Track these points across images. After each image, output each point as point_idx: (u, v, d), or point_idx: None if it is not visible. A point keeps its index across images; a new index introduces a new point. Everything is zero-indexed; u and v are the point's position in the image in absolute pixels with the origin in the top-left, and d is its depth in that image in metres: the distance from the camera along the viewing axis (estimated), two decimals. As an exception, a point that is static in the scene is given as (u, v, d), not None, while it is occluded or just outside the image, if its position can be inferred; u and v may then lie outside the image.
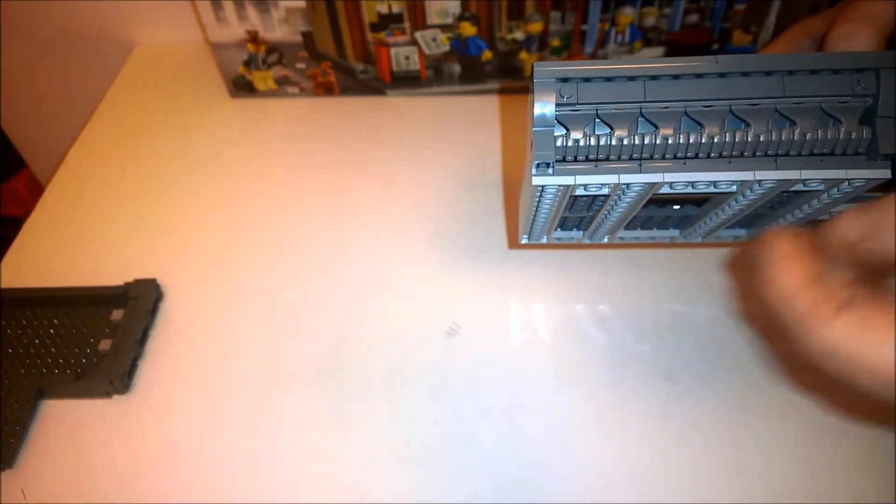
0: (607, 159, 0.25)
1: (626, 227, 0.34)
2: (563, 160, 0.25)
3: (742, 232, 0.33)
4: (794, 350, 0.20)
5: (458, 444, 0.34)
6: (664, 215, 0.33)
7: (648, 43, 0.49)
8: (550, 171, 0.25)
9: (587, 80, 0.24)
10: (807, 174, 0.24)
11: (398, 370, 0.36)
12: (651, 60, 0.23)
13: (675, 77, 0.24)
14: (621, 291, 0.39)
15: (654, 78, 0.24)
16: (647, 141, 0.24)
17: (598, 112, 0.24)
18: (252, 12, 0.48)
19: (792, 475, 0.32)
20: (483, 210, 0.44)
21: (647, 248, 0.41)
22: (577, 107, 0.24)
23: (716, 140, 0.24)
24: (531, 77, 0.24)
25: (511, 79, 0.52)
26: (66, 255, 0.44)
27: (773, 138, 0.24)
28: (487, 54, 0.50)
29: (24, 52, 0.64)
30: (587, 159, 0.25)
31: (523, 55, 0.50)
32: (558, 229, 0.34)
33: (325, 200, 0.46)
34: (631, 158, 0.25)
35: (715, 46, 0.49)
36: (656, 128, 0.24)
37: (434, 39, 0.49)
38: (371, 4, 0.47)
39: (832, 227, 0.21)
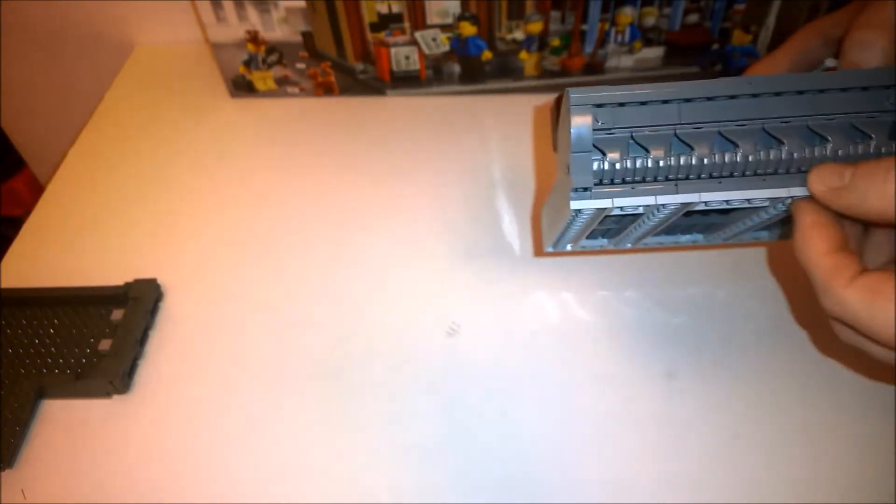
0: (643, 181, 0.25)
1: (659, 235, 0.34)
2: (600, 183, 0.25)
3: (764, 234, 0.33)
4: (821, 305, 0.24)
5: (458, 443, 0.34)
6: (690, 224, 0.33)
7: (648, 43, 0.49)
8: (588, 194, 0.25)
9: (622, 104, 0.24)
10: None
11: (398, 370, 0.36)
12: (685, 84, 0.24)
13: (709, 98, 0.24)
14: (626, 290, 0.39)
15: (688, 100, 0.24)
16: (683, 162, 0.25)
17: (633, 135, 0.25)
18: (252, 12, 0.48)
19: (792, 475, 0.32)
20: (483, 209, 0.44)
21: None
22: (613, 131, 0.25)
23: (751, 159, 0.24)
24: (564, 102, 0.25)
25: (511, 79, 0.52)
26: (66, 255, 0.44)
27: (807, 155, 0.24)
28: (487, 54, 0.50)
29: (24, 52, 0.64)
30: (623, 181, 0.25)
31: (523, 55, 0.50)
32: (585, 238, 0.34)
33: (325, 200, 0.46)
34: (667, 179, 0.25)
35: (715, 46, 0.49)
36: (692, 149, 0.25)
37: (434, 39, 0.49)
38: (371, 4, 0.47)
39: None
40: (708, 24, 0.47)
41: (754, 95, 0.24)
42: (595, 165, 0.25)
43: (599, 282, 0.40)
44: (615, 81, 0.51)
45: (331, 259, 0.42)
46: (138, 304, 0.39)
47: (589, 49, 0.49)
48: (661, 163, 0.25)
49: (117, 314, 0.39)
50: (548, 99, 0.52)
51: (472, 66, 0.51)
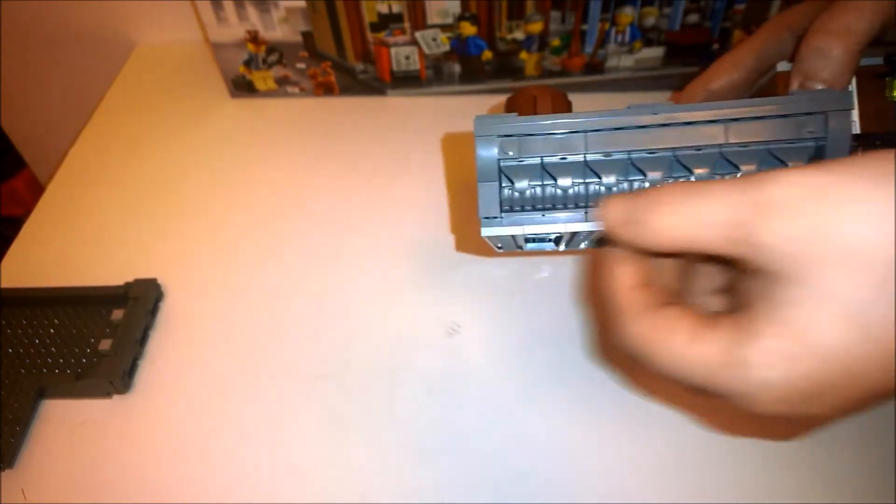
0: (553, 208, 0.25)
1: None
2: (511, 210, 0.26)
3: None
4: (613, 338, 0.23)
5: (458, 443, 0.34)
6: None
7: (648, 43, 0.49)
8: (498, 221, 0.26)
9: (530, 134, 0.25)
10: None
11: (399, 370, 0.36)
12: (591, 114, 0.24)
13: (617, 129, 0.24)
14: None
15: (595, 130, 0.24)
16: (591, 189, 0.25)
17: (544, 163, 0.25)
18: (252, 12, 0.48)
19: (792, 475, 0.32)
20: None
21: None
22: (522, 159, 0.25)
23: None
24: (474, 131, 0.25)
25: (511, 79, 0.52)
26: (66, 255, 0.44)
27: None
28: (487, 54, 0.50)
29: (24, 52, 0.64)
30: (534, 208, 0.26)
31: (523, 55, 0.50)
32: (531, 243, 0.35)
33: (325, 200, 0.46)
34: (577, 206, 0.25)
35: (715, 46, 0.49)
36: (599, 177, 0.25)
37: (434, 39, 0.49)
38: (371, 4, 0.47)
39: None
40: (708, 24, 0.47)
41: (664, 125, 0.24)
42: (505, 193, 0.25)
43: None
44: (615, 81, 0.51)
45: (331, 258, 0.42)
46: (138, 304, 0.39)
47: (589, 49, 0.49)
48: (570, 191, 0.25)
49: (117, 314, 0.39)
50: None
51: (473, 66, 0.51)
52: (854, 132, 0.26)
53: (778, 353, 0.18)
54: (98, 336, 0.38)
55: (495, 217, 0.26)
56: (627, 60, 0.50)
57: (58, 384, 0.36)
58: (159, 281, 0.41)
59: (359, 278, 0.41)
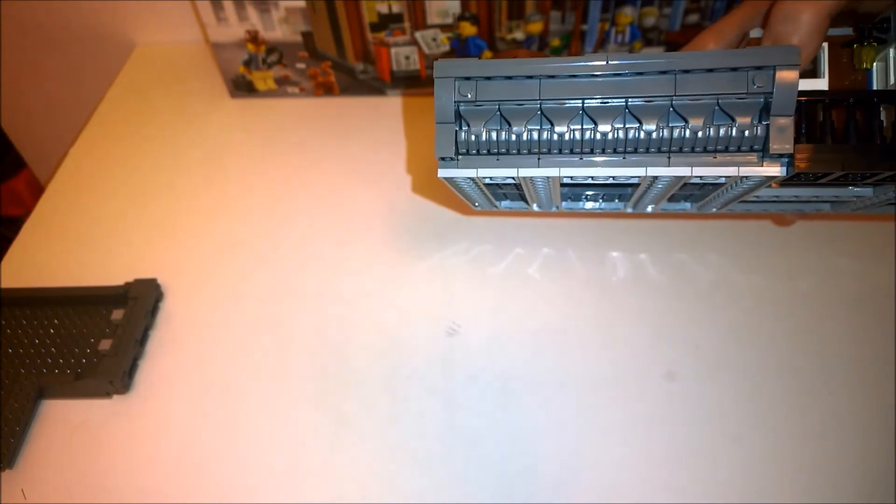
0: (507, 153, 0.26)
1: (572, 200, 0.35)
2: (468, 153, 0.26)
3: (687, 206, 0.34)
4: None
5: (458, 443, 0.34)
6: (600, 192, 0.34)
7: (648, 43, 0.49)
8: (454, 163, 0.26)
9: (488, 78, 0.25)
10: (699, 171, 0.24)
11: (399, 369, 0.36)
12: (548, 60, 0.24)
13: (572, 76, 0.24)
14: (625, 289, 0.39)
15: (551, 77, 0.24)
16: (544, 136, 0.25)
17: (500, 108, 0.25)
18: (252, 12, 0.48)
19: (792, 475, 0.32)
20: (484, 212, 0.44)
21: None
22: (479, 103, 0.25)
23: (609, 137, 0.25)
24: (433, 73, 0.25)
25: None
26: (66, 255, 0.44)
27: (666, 135, 0.24)
28: (487, 54, 0.50)
29: (24, 52, 0.64)
30: (489, 152, 0.26)
31: (523, 55, 0.50)
32: (505, 201, 0.35)
33: (325, 200, 0.46)
34: (530, 152, 0.26)
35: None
36: (551, 124, 0.25)
37: (434, 39, 0.49)
38: (371, 4, 0.47)
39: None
40: (708, 23, 0.47)
41: (616, 75, 0.24)
42: (461, 136, 0.26)
43: (601, 281, 0.40)
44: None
45: (331, 257, 0.42)
46: (138, 304, 0.39)
47: (589, 49, 0.49)
48: (525, 136, 0.25)
49: (117, 314, 0.39)
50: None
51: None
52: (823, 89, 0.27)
53: None
54: (98, 336, 0.38)
55: (451, 158, 0.26)
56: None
57: (58, 384, 0.36)
58: (159, 281, 0.41)
59: (359, 278, 0.41)
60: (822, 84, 0.27)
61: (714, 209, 0.34)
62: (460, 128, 0.26)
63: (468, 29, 0.48)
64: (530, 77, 0.25)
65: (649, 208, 0.35)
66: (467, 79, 0.25)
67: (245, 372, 0.37)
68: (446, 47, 0.49)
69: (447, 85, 0.25)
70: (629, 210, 0.36)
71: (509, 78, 0.25)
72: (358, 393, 0.36)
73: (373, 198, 0.46)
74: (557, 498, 0.32)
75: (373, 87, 0.53)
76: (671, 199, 0.34)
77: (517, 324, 0.38)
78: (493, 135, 0.25)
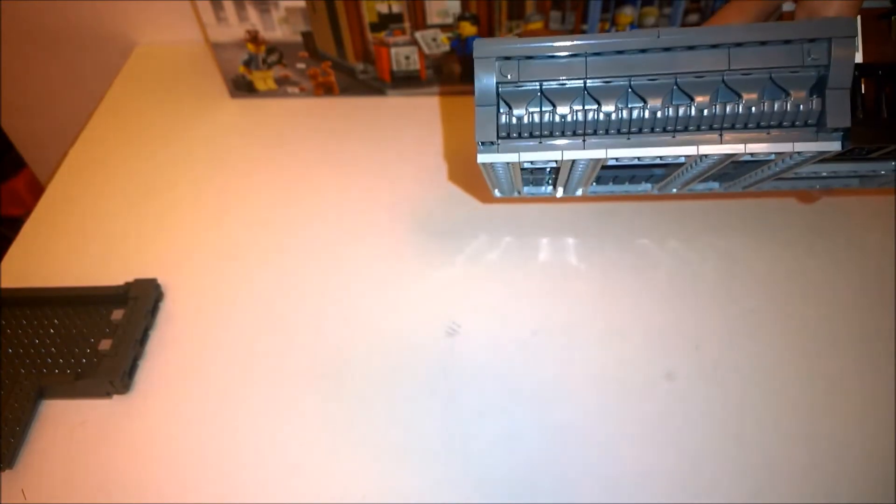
0: (551, 135, 0.25)
1: (598, 183, 0.34)
2: (508, 136, 0.25)
3: (715, 185, 0.33)
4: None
5: (458, 443, 0.34)
6: (631, 174, 0.33)
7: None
8: (495, 147, 0.25)
9: (529, 57, 0.24)
10: (752, 148, 0.24)
11: (399, 369, 0.36)
12: (593, 36, 0.23)
13: (619, 52, 0.23)
14: (624, 287, 0.39)
15: (597, 54, 0.23)
16: (591, 117, 0.24)
17: (543, 88, 0.24)
18: (252, 12, 0.48)
19: (792, 474, 0.32)
20: (483, 210, 0.44)
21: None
22: (521, 84, 0.24)
23: (659, 115, 0.24)
24: (473, 55, 0.24)
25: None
26: (66, 255, 0.44)
27: (718, 112, 0.23)
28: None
29: (24, 52, 0.64)
30: (531, 135, 0.25)
31: (523, 55, 0.50)
32: (529, 186, 0.34)
33: (326, 199, 0.46)
34: (574, 134, 0.24)
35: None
36: (599, 104, 0.24)
37: (434, 39, 0.49)
38: (371, 4, 0.47)
39: None
40: (708, 24, 0.47)
41: (665, 49, 0.23)
42: (502, 119, 0.25)
43: (602, 282, 0.40)
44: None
45: (331, 257, 0.42)
46: (138, 304, 0.39)
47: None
48: (569, 117, 0.24)
49: (117, 314, 0.39)
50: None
51: (473, 66, 0.51)
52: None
53: None
54: (98, 336, 0.38)
55: (492, 143, 0.25)
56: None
57: (58, 384, 0.36)
58: (159, 281, 0.41)
59: (358, 277, 0.41)
60: (857, 57, 0.26)
61: (741, 188, 0.33)
62: (499, 111, 0.25)
63: (468, 29, 0.48)
64: (575, 55, 0.23)
65: (674, 189, 0.34)
66: (507, 59, 0.24)
67: (245, 372, 0.37)
68: (446, 47, 0.49)
69: (488, 65, 0.24)
70: (655, 192, 0.35)
71: (552, 57, 0.24)
72: (358, 393, 0.36)
73: (372, 198, 0.46)
74: (557, 498, 0.32)
75: (373, 87, 0.53)
76: (702, 179, 0.33)
77: (517, 323, 0.38)
78: (536, 117, 0.24)
